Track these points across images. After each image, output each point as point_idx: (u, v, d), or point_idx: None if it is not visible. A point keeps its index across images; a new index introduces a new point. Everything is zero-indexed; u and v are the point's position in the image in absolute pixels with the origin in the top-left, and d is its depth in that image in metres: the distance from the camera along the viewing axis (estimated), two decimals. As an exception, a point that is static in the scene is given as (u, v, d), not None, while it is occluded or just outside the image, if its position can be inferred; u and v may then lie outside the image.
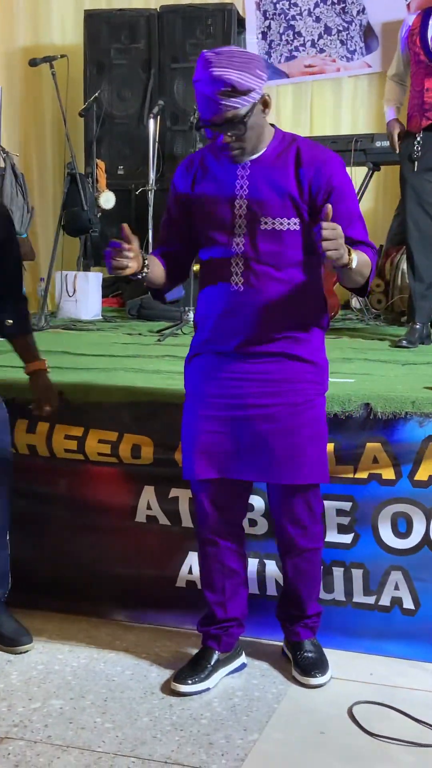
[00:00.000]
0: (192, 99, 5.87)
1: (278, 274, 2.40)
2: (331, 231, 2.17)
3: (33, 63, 5.53)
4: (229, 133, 2.31)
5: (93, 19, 6.41)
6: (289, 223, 2.39)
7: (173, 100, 6.25)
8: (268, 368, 2.46)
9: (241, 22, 6.43)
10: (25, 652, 2.75)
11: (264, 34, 6.62)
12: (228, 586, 2.62)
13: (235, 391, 2.48)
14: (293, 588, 2.64)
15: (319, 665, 2.63)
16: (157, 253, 2.56)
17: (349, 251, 2.26)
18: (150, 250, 5.69)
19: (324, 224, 2.17)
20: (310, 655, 2.65)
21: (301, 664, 2.63)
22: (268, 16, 6.59)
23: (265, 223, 2.40)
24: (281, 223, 2.39)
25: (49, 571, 3.11)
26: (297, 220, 2.40)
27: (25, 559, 3.00)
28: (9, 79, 6.85)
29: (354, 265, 2.28)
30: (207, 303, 2.52)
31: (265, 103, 2.35)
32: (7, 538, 2.86)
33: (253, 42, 6.57)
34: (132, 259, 2.32)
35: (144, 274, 2.39)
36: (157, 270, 2.49)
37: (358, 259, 2.30)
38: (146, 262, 2.39)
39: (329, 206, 2.20)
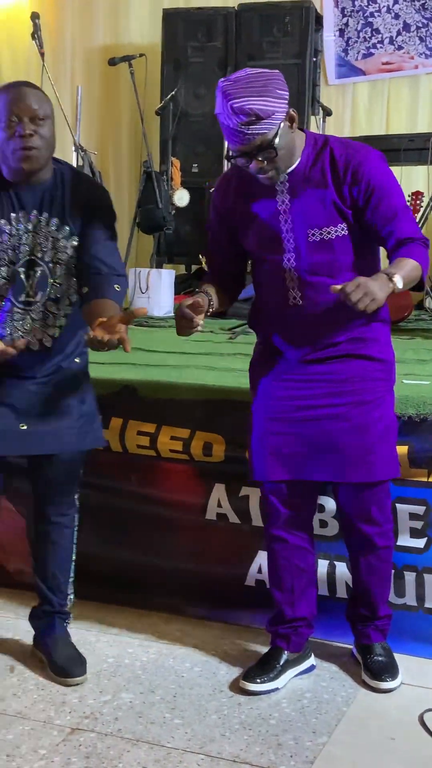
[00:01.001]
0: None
1: (333, 282, 2.33)
2: (355, 292, 2.16)
3: (112, 62, 5.58)
4: (260, 158, 2.29)
5: (171, 18, 6.43)
6: (336, 230, 2.38)
7: (249, 98, 6.23)
8: (335, 368, 2.47)
9: (319, 20, 6.38)
10: (75, 685, 2.58)
11: (341, 32, 6.56)
12: (296, 584, 2.61)
13: (303, 392, 2.49)
14: (365, 587, 2.63)
15: (389, 669, 2.61)
16: (210, 279, 2.57)
17: (391, 277, 2.24)
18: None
19: (345, 290, 2.16)
20: (380, 659, 2.62)
21: (372, 668, 2.61)
22: (346, 13, 6.53)
23: (313, 234, 2.39)
24: (329, 232, 2.38)
25: (119, 564, 3.14)
26: (344, 225, 2.38)
27: (96, 553, 3.04)
28: (88, 78, 6.92)
29: (400, 286, 2.25)
30: (266, 318, 2.54)
31: (291, 119, 2.32)
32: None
33: (330, 39, 6.53)
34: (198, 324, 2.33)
35: (209, 312, 2.42)
36: (218, 300, 2.49)
37: (402, 277, 2.26)
38: (211, 302, 2.43)
39: (336, 287, 2.19)
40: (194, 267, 6.28)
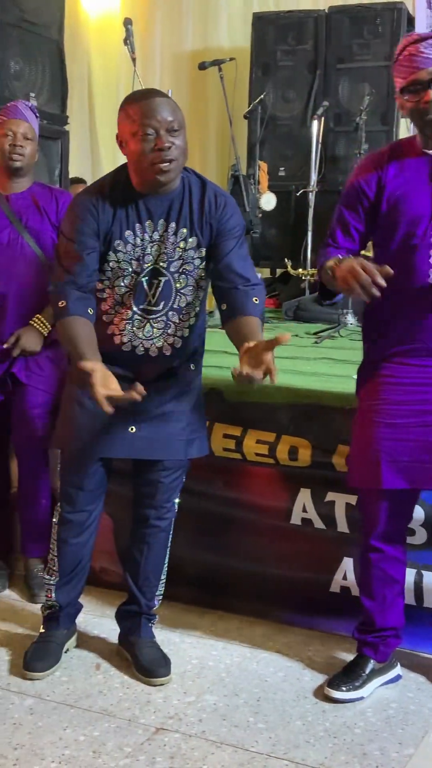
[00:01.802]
0: (357, 100, 5.81)
1: None
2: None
3: (202, 66, 5.59)
4: None
5: (261, 22, 6.44)
6: None
7: (338, 101, 6.20)
8: None
9: (410, 21, 6.29)
10: (160, 685, 2.61)
11: (433, 33, 6.48)
12: (388, 594, 2.57)
13: (421, 396, 2.42)
14: None
15: None
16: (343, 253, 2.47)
17: None
18: (309, 253, 5.68)
19: None
20: None
21: None
22: (438, 14, 6.43)
23: None
24: None
25: (204, 567, 3.15)
26: None
27: (182, 555, 3.05)
28: (177, 82, 6.98)
29: None
30: (393, 303, 2.40)
31: None
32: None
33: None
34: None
35: None
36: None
37: None
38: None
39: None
40: (279, 271, 6.27)
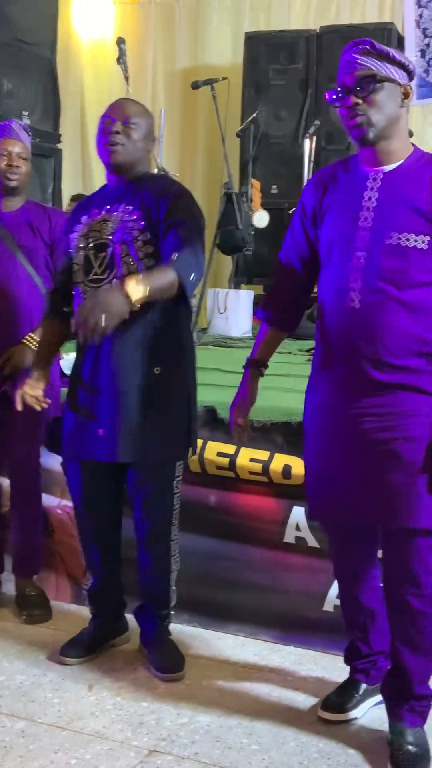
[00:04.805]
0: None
1: (399, 295, 2.18)
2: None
3: (195, 86, 5.62)
4: (358, 93, 2.18)
5: (253, 41, 6.49)
6: (416, 240, 2.18)
7: (329, 119, 6.22)
8: (386, 401, 2.22)
9: (400, 41, 6.36)
10: (174, 681, 2.70)
11: (423, 52, 6.53)
12: (368, 622, 2.50)
13: (354, 428, 2.25)
14: (398, 660, 2.33)
15: (417, 763, 2.26)
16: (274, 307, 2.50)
17: None
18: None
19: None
20: (410, 748, 2.27)
21: (397, 760, 2.26)
22: (428, 34, 6.50)
23: (390, 237, 2.19)
24: (407, 239, 2.18)
25: (195, 586, 3.13)
26: (427, 239, 2.18)
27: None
28: (170, 101, 7.03)
29: None
30: (324, 321, 2.33)
31: (406, 94, 2.24)
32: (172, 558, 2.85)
33: (411, 60, 6.49)
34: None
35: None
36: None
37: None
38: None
39: None
40: (272, 287, 6.28)
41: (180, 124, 7.09)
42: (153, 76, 7.29)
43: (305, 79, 6.36)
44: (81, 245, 2.70)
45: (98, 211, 2.71)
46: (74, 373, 2.77)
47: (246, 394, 2.55)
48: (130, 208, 2.65)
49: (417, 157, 2.28)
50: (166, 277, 2.46)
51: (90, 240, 2.68)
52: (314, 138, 5.82)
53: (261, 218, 5.90)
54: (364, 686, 2.56)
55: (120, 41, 5.11)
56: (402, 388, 2.22)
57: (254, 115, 6.10)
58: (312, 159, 5.81)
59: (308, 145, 5.76)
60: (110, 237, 2.64)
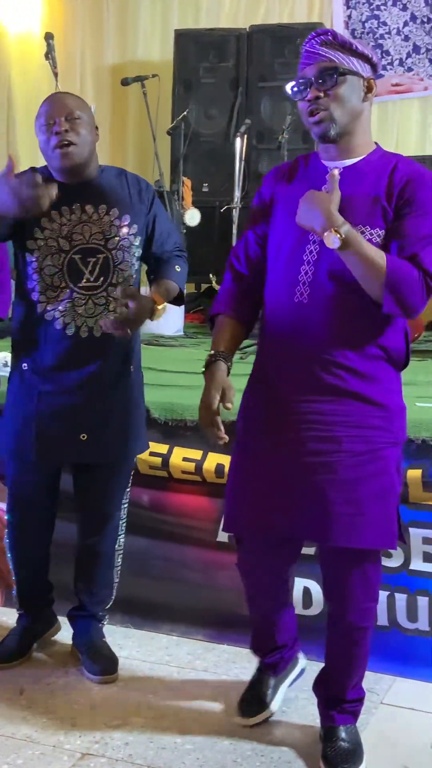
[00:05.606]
0: (279, 118, 5.88)
1: (352, 292, 2.10)
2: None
3: (125, 82, 5.59)
4: (320, 86, 2.11)
5: (182, 38, 6.47)
6: (372, 234, 2.11)
7: (260, 118, 6.26)
8: (329, 409, 2.14)
9: (330, 42, 6.42)
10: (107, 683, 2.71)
11: (351, 53, 6.61)
12: (277, 619, 2.50)
13: (291, 434, 2.16)
14: (332, 667, 2.35)
15: (350, 757, 2.27)
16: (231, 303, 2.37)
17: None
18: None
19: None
20: (343, 744, 2.28)
21: (329, 755, 2.27)
22: (356, 35, 6.56)
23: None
24: (362, 232, 2.09)
25: (128, 586, 3.11)
26: (381, 233, 2.11)
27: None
28: (99, 97, 6.97)
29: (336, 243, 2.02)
30: (270, 316, 2.26)
31: (369, 88, 2.15)
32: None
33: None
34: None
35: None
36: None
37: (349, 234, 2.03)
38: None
39: None
40: (204, 286, 6.29)
41: (110, 121, 7.03)
42: (82, 72, 7.21)
43: (236, 78, 6.37)
44: (61, 246, 2.57)
45: (69, 209, 2.57)
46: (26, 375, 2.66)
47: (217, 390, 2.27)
48: (116, 211, 2.61)
49: (379, 156, 2.22)
50: (175, 291, 2.77)
51: (75, 243, 2.57)
52: (245, 137, 5.84)
53: (192, 216, 5.89)
54: (272, 680, 2.55)
55: (48, 36, 5.05)
56: (350, 396, 2.14)
57: (185, 113, 6.09)
58: (243, 158, 5.83)
59: (239, 144, 5.78)
60: (101, 243, 2.59)
